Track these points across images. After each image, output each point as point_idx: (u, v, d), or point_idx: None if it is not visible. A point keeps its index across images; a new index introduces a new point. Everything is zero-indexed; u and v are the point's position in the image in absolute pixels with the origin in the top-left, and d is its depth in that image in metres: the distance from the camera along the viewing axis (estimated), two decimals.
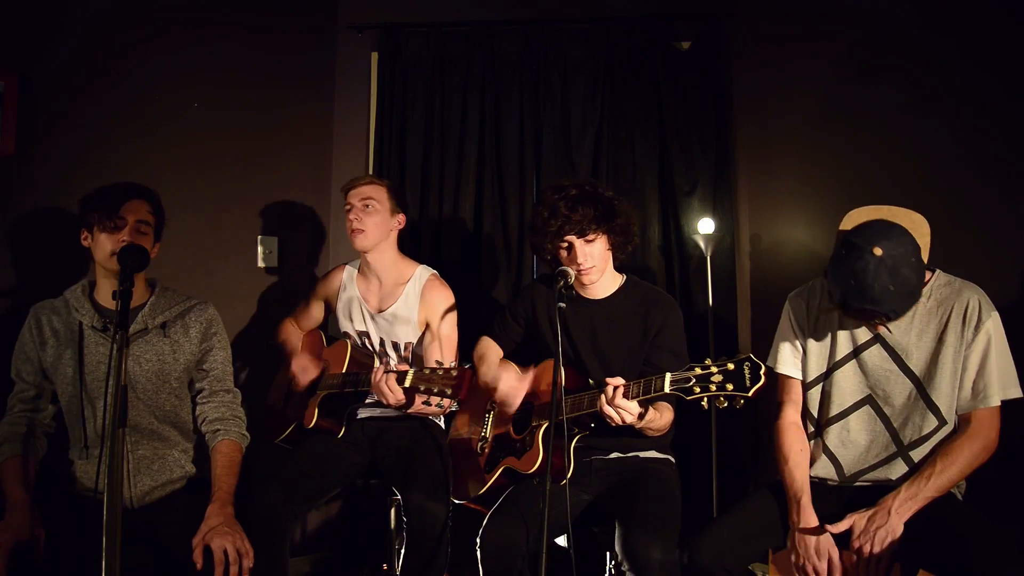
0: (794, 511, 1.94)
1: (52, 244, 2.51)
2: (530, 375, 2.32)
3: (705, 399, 1.80)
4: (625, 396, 1.93)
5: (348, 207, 2.55)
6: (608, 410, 1.93)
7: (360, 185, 2.55)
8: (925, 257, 1.86)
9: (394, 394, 2.20)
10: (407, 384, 2.16)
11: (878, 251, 1.74)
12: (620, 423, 1.94)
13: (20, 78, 2.49)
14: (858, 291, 1.76)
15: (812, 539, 1.88)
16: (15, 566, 1.77)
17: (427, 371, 2.12)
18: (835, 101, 2.99)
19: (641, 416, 1.95)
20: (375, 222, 2.52)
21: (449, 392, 2.07)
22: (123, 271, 1.82)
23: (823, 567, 1.85)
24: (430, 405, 2.13)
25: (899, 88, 2.79)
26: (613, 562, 2.31)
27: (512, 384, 2.30)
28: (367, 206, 2.51)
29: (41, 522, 1.86)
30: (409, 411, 2.33)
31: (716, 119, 3.20)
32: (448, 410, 2.53)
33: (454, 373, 2.07)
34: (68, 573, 1.86)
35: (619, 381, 1.92)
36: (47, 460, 2.08)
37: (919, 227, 1.89)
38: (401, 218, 2.60)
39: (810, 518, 1.91)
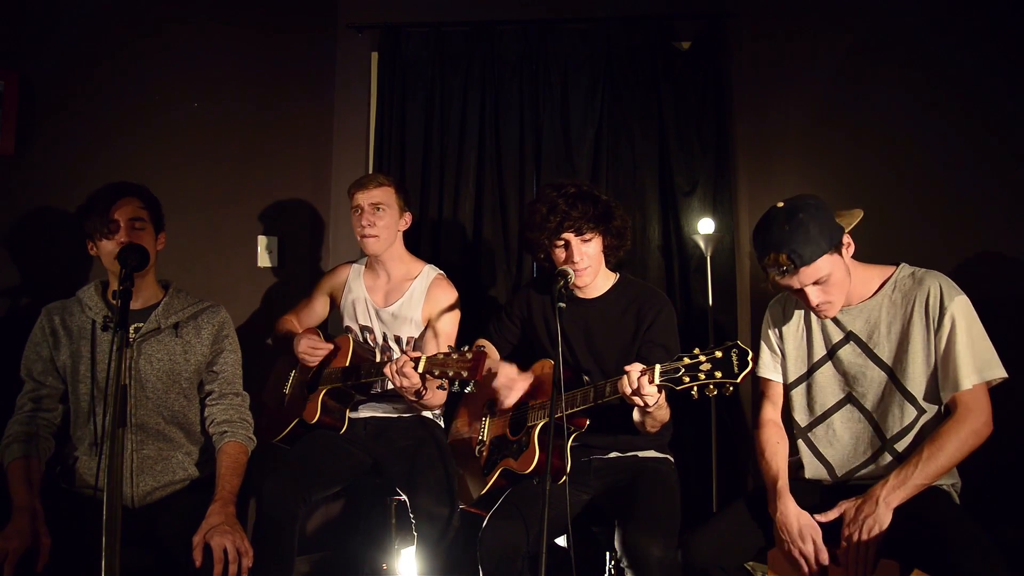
0: (772, 498, 1.95)
1: (53, 243, 2.52)
2: (527, 374, 2.32)
3: (695, 388, 1.80)
4: (618, 386, 1.93)
5: (357, 210, 2.52)
6: (634, 398, 1.90)
7: (369, 188, 2.52)
8: (849, 238, 1.92)
9: (410, 379, 2.16)
10: (420, 369, 2.14)
11: (780, 204, 1.90)
12: (642, 406, 1.91)
13: (20, 77, 2.49)
14: (763, 241, 1.88)
15: (793, 524, 1.88)
16: (20, 573, 1.77)
17: (440, 356, 2.11)
18: (836, 100, 2.99)
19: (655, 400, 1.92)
20: (386, 225, 2.52)
21: (465, 374, 2.04)
22: (123, 271, 1.83)
23: (808, 549, 1.86)
24: (444, 389, 2.11)
25: (901, 86, 2.79)
26: (613, 562, 2.31)
27: (511, 375, 2.29)
28: (377, 209, 2.50)
29: (47, 530, 1.86)
30: (422, 400, 2.30)
31: (716, 118, 3.21)
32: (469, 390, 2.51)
33: (469, 356, 2.05)
34: (68, 571, 1.86)
35: (639, 366, 1.89)
36: (51, 459, 2.08)
37: (850, 213, 2.00)
38: (408, 217, 2.61)
39: (787, 502, 1.92)
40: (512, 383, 2.28)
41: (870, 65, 2.89)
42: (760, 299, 3.15)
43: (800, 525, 1.88)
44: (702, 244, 3.00)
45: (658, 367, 1.86)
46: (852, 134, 2.94)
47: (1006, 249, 2.50)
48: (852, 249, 1.93)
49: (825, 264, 1.84)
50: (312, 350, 2.53)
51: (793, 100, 3.11)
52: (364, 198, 2.51)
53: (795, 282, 1.87)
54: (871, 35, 2.90)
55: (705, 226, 2.99)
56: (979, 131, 2.61)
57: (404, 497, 2.38)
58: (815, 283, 1.87)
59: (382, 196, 2.51)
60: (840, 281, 1.90)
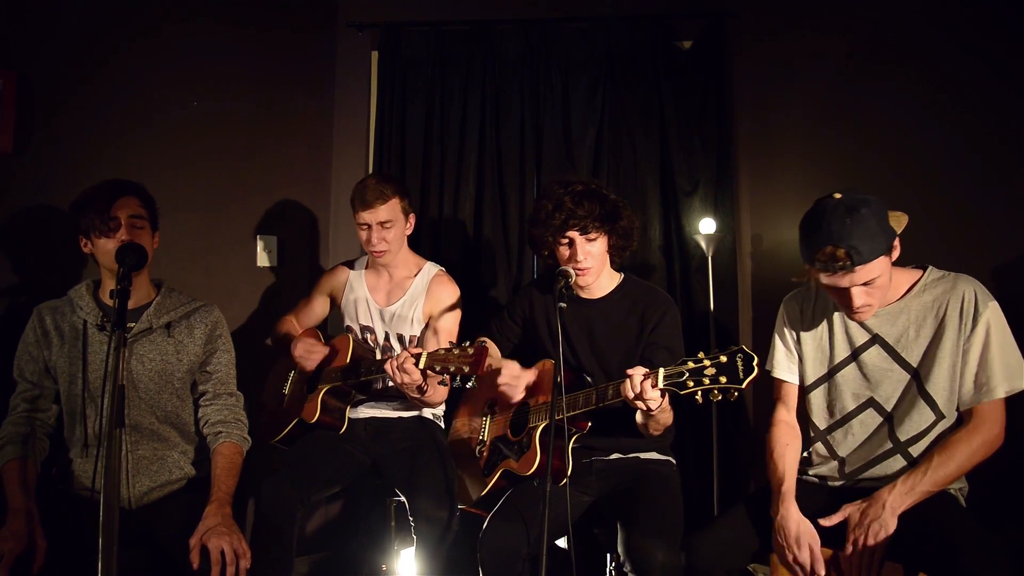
0: (775, 499, 1.93)
1: (51, 242, 2.50)
2: (531, 370, 2.30)
3: (699, 393, 1.78)
4: (620, 390, 1.91)
5: (364, 226, 2.47)
6: (636, 401, 1.88)
7: (375, 207, 2.43)
8: (896, 243, 1.85)
9: (411, 375, 2.14)
10: (422, 365, 2.12)
11: (838, 195, 1.81)
12: (645, 410, 1.89)
13: (18, 76, 2.48)
14: (818, 233, 1.79)
15: (792, 529, 1.86)
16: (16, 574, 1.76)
17: (442, 351, 2.10)
18: (837, 99, 2.98)
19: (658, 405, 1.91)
20: (395, 237, 2.50)
21: (467, 369, 2.01)
22: (121, 270, 1.81)
23: (804, 557, 1.83)
24: (446, 384, 2.09)
25: (902, 85, 2.79)
26: (613, 563, 2.30)
27: (514, 373, 2.27)
28: (384, 224, 2.46)
29: (43, 532, 1.84)
30: (424, 396, 2.29)
31: (717, 118, 3.19)
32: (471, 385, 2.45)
33: (470, 351, 2.03)
34: (64, 574, 1.84)
35: (642, 370, 1.87)
36: (46, 460, 2.07)
37: (898, 216, 1.93)
38: (412, 219, 2.59)
39: (790, 506, 1.89)
40: (516, 380, 2.27)
41: (871, 64, 2.89)
42: (762, 300, 3.14)
43: (799, 531, 1.85)
44: (703, 244, 2.99)
45: (662, 371, 1.84)
46: (854, 133, 2.94)
47: (1008, 248, 2.50)
48: (898, 254, 1.86)
49: (879, 265, 1.78)
50: (308, 353, 2.51)
51: (795, 99, 3.10)
52: (371, 217, 2.45)
53: (845, 280, 1.79)
54: (872, 34, 2.90)
55: (706, 226, 2.98)
56: (981, 130, 2.61)
57: (403, 498, 2.37)
58: (864, 284, 1.80)
59: (388, 213, 2.45)
60: (884, 285, 1.84)
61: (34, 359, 2.07)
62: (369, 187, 2.47)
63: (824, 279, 1.82)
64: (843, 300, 1.87)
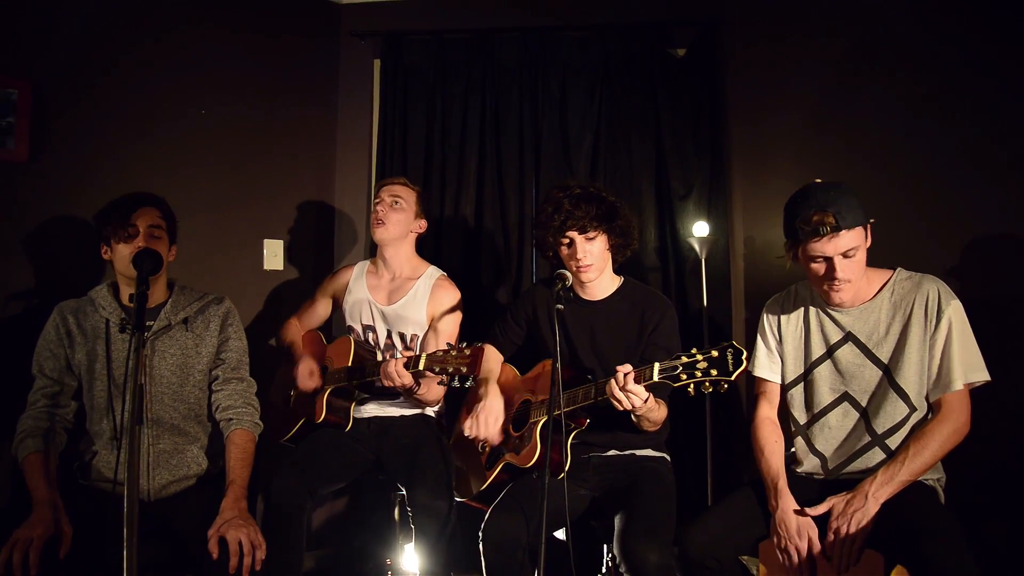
0: (772, 496, 2.03)
1: (67, 248, 2.57)
2: (509, 427, 2.39)
3: (692, 385, 1.88)
4: (606, 389, 2.00)
5: (377, 200, 2.67)
6: (619, 395, 1.97)
7: (393, 184, 2.70)
8: (871, 228, 1.99)
9: (401, 378, 2.28)
10: (421, 367, 2.22)
11: (818, 180, 2.02)
12: (629, 408, 1.98)
13: (32, 85, 2.54)
14: (805, 204, 1.95)
15: (792, 521, 1.96)
16: (43, 561, 1.83)
17: (440, 352, 2.20)
18: (829, 105, 3.02)
19: (645, 401, 1.99)
20: (398, 219, 2.63)
21: (464, 370, 2.13)
22: (138, 274, 1.89)
23: (803, 546, 1.94)
24: (444, 385, 2.21)
25: (894, 91, 2.83)
26: (610, 555, 2.37)
27: (493, 416, 2.33)
28: (395, 203, 2.64)
29: (68, 519, 1.92)
30: (417, 394, 2.40)
31: (711, 124, 3.24)
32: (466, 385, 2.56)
33: (467, 351, 2.14)
34: (86, 564, 1.91)
35: (628, 367, 1.97)
36: (64, 453, 2.14)
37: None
38: (423, 223, 2.72)
39: (788, 501, 1.99)
40: (497, 421, 2.34)
41: (863, 70, 2.92)
42: (753, 300, 3.20)
43: (799, 524, 1.95)
44: (697, 247, 3.03)
45: (657, 365, 1.93)
46: (845, 138, 2.98)
47: (996, 252, 2.56)
48: (869, 242, 1.99)
49: (859, 236, 1.93)
50: (308, 378, 2.57)
51: (787, 105, 3.13)
52: (386, 191, 2.67)
53: (829, 248, 1.92)
54: (864, 40, 2.93)
55: (700, 229, 3.03)
56: (972, 135, 2.66)
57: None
58: (844, 255, 1.93)
59: (402, 191, 2.67)
60: (862, 262, 1.97)
61: (55, 356, 2.13)
62: (395, 177, 2.76)
63: (812, 247, 1.94)
64: (827, 274, 1.97)
